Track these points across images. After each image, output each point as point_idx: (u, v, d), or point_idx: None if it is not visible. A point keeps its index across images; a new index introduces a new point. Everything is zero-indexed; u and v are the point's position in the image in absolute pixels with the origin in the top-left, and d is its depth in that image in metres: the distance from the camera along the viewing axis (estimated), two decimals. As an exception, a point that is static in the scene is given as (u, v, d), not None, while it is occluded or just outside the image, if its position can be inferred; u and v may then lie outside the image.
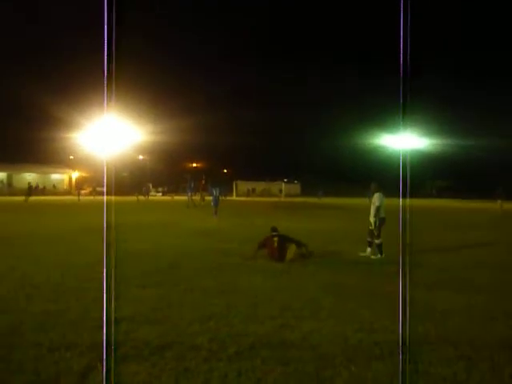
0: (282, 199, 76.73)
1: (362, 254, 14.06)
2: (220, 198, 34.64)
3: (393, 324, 6.80)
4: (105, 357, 5.01)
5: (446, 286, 10.14)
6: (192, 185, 44.29)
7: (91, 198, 64.83)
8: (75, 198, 64.69)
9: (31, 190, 53.00)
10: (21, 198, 53.11)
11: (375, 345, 6.30)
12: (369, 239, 14.35)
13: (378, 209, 14.22)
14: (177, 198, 71.23)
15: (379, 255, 13.86)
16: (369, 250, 14.11)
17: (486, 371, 5.51)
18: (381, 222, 14.22)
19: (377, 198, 14.34)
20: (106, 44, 4.10)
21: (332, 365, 5.63)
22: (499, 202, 48.11)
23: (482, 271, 11.91)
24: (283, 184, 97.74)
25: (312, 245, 14.42)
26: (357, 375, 5.36)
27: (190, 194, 43.52)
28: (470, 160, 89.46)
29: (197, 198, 46.22)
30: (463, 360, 5.82)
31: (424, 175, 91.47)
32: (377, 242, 14.06)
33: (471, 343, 6.42)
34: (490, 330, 7.06)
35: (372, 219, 14.27)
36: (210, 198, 35.51)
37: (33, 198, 56.64)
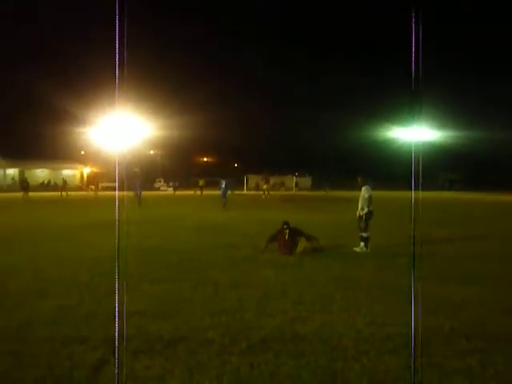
0: (293, 192, 76.75)
1: (357, 250, 13.86)
2: (227, 191, 34.56)
3: (405, 317, 6.76)
4: (117, 351, 5.01)
5: (458, 278, 10.09)
6: (138, 182, 39.23)
7: (93, 193, 64.53)
8: (87, 193, 64.66)
9: (27, 186, 52.76)
10: (33, 194, 53.25)
11: (387, 338, 6.29)
12: (361, 233, 14.13)
13: (366, 201, 14.02)
14: (185, 192, 71.18)
15: (365, 249, 13.77)
16: (362, 244, 13.92)
17: (499, 364, 5.48)
18: (369, 215, 14.08)
19: (365, 191, 14.14)
20: (117, 39, 4.10)
21: (344, 358, 5.62)
22: None
23: (495, 263, 11.85)
24: (294, 178, 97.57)
25: (322, 238, 14.40)
26: (369, 368, 5.35)
27: (138, 191, 37.90)
28: (483, 152, 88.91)
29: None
30: (477, 353, 5.79)
31: (436, 168, 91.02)
32: (364, 235, 13.89)
33: (485, 336, 6.39)
34: (504, 323, 7.02)
35: (361, 212, 14.09)
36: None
37: (44, 194, 57.01)
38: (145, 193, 41.72)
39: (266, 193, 49.59)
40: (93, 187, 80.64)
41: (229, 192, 37.67)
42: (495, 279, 10.06)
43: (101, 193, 64.53)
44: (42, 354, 5.72)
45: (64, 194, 57.98)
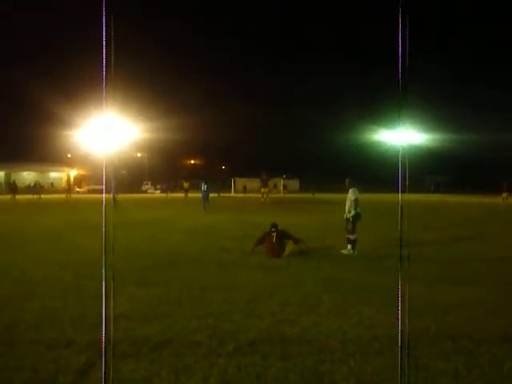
0: (281, 195, 76.71)
1: (344, 252, 13.88)
2: (209, 194, 34.20)
3: (391, 319, 6.77)
4: (104, 354, 4.98)
5: (445, 280, 10.14)
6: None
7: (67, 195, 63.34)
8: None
9: (15, 188, 52.24)
10: (20, 197, 52.79)
11: (374, 339, 6.30)
12: (348, 236, 14.15)
13: (353, 204, 14.05)
14: (173, 195, 70.85)
15: (352, 251, 13.78)
16: (349, 246, 13.94)
17: (485, 365, 5.50)
18: (356, 217, 14.10)
19: (352, 193, 14.17)
20: (104, 41, 4.07)
21: (331, 359, 5.63)
22: (505, 194, 48.15)
23: (482, 265, 11.91)
24: (282, 180, 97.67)
25: (309, 240, 14.42)
26: (356, 370, 5.35)
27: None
28: (469, 155, 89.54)
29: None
30: (463, 354, 5.81)
31: (423, 171, 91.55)
32: (351, 237, 13.90)
33: (471, 337, 6.41)
34: (490, 324, 7.05)
35: (348, 215, 14.12)
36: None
37: (31, 197, 56.67)
38: (130, 196, 41.45)
39: (265, 196, 47.40)
40: (80, 190, 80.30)
41: (215, 195, 37.35)
42: (481, 281, 10.11)
43: (74, 195, 63.42)
44: (27, 357, 5.67)
45: (40, 197, 56.63)
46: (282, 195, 77.20)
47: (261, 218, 25.45)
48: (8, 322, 7.06)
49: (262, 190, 47.72)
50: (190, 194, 58.44)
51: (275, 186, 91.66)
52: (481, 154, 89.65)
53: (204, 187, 33.79)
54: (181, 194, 63.67)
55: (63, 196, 58.42)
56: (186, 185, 62.34)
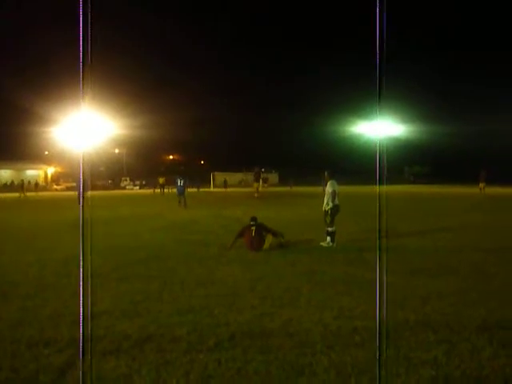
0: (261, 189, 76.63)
1: (323, 244, 13.94)
2: (185, 189, 34.06)
3: (372, 310, 6.82)
4: (83, 352, 4.96)
5: (424, 271, 10.21)
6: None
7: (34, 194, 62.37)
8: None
9: None
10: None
11: (354, 331, 6.33)
12: (326, 228, 14.20)
13: (330, 196, 14.10)
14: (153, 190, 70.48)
15: (331, 243, 13.84)
16: (328, 238, 13.99)
17: (465, 354, 5.56)
18: (335, 209, 14.15)
19: (330, 186, 14.21)
20: (81, 37, 4.04)
21: (312, 352, 5.64)
22: (482, 185, 48.50)
23: (460, 255, 12.01)
24: (261, 174, 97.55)
25: (288, 233, 14.45)
26: (336, 361, 5.37)
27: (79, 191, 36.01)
28: (447, 146, 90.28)
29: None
30: (443, 344, 5.86)
31: (401, 162, 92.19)
32: (330, 229, 13.95)
33: (450, 327, 6.47)
34: (469, 314, 7.12)
35: (326, 207, 14.17)
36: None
37: (7, 195, 56.11)
38: (108, 192, 41.24)
39: (260, 189, 45.55)
40: (57, 187, 79.63)
41: (194, 190, 37.15)
42: (460, 271, 10.20)
43: (29, 193, 62.12)
44: (6, 357, 5.62)
45: (23, 195, 56.07)
46: (262, 189, 77.05)
47: (239, 211, 25.48)
48: (-14, 321, 6.99)
49: (255, 184, 47.04)
50: (167, 190, 57.99)
51: (265, 180, 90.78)
52: (459, 145, 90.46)
53: (180, 182, 33.68)
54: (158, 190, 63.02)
55: (33, 194, 57.78)
56: (161, 180, 61.20)
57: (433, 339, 6.04)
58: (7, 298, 8.35)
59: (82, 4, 3.99)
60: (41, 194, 67.71)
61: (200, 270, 10.60)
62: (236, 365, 5.33)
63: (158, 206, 35.53)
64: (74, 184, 75.52)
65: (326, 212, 14.09)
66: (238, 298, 8.09)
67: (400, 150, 71.40)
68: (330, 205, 14.02)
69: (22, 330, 6.57)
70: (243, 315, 7.13)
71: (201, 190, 65.97)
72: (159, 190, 60.32)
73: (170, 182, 58.71)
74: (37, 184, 78.71)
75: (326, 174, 14.72)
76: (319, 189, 34.66)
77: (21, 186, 58.70)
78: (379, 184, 4.75)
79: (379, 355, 4.45)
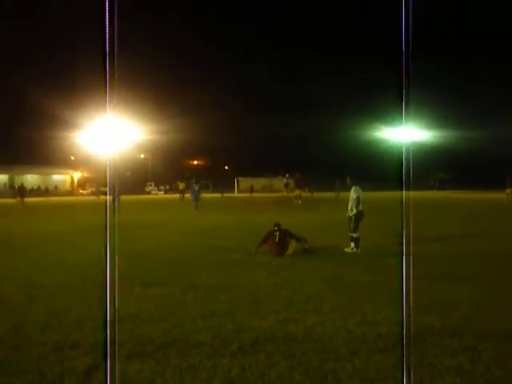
0: (285, 194, 76.38)
1: (347, 250, 13.87)
2: (200, 194, 34.30)
3: (396, 316, 6.78)
4: (108, 355, 5.00)
5: (449, 276, 10.12)
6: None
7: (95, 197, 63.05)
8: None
9: (23, 192, 51.43)
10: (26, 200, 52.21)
11: (378, 337, 6.30)
12: (350, 234, 14.14)
13: (355, 202, 14.05)
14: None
15: (355, 249, 13.75)
16: (353, 244, 13.94)
17: (490, 361, 5.50)
18: (359, 215, 14.11)
19: (354, 192, 14.15)
20: (107, 43, 4.09)
21: (335, 358, 5.63)
22: (508, 190, 47.82)
23: (485, 262, 11.89)
24: (285, 179, 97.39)
25: (312, 239, 14.42)
26: (360, 368, 5.35)
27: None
28: (473, 152, 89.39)
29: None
30: (468, 351, 5.81)
31: (426, 168, 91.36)
32: (354, 235, 13.90)
33: (476, 334, 6.41)
34: (494, 320, 7.05)
35: (350, 213, 14.14)
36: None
37: (35, 200, 56.66)
38: (133, 197, 41.45)
39: (299, 196, 42.00)
40: (83, 192, 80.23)
41: (218, 195, 37.20)
42: (485, 277, 10.10)
43: (52, 198, 62.04)
44: (32, 360, 5.68)
45: (48, 199, 56.08)
46: (284, 194, 76.75)
47: (263, 217, 25.47)
48: (13, 325, 7.07)
49: (296, 191, 44.83)
50: (188, 195, 57.48)
51: (287, 186, 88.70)
52: (484, 151, 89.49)
53: (196, 187, 33.73)
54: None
55: (42, 199, 58.04)
56: (181, 186, 59.47)
57: (457, 346, 5.98)
58: (33, 301, 8.45)
59: (109, 10, 4.04)
60: (63, 198, 68.27)
61: (224, 275, 10.62)
62: (259, 370, 5.33)
63: (180, 211, 35.62)
64: (102, 189, 75.74)
65: (350, 218, 14.06)
66: (261, 304, 8.09)
67: (425, 156, 70.74)
68: (354, 211, 13.99)
69: (47, 334, 6.64)
70: (267, 320, 7.13)
71: (225, 195, 65.96)
72: (179, 196, 59.06)
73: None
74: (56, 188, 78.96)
75: (348, 180, 14.70)
76: (343, 194, 34.35)
77: (45, 191, 59.12)
78: (404, 190, 4.74)
79: (404, 361, 4.42)
